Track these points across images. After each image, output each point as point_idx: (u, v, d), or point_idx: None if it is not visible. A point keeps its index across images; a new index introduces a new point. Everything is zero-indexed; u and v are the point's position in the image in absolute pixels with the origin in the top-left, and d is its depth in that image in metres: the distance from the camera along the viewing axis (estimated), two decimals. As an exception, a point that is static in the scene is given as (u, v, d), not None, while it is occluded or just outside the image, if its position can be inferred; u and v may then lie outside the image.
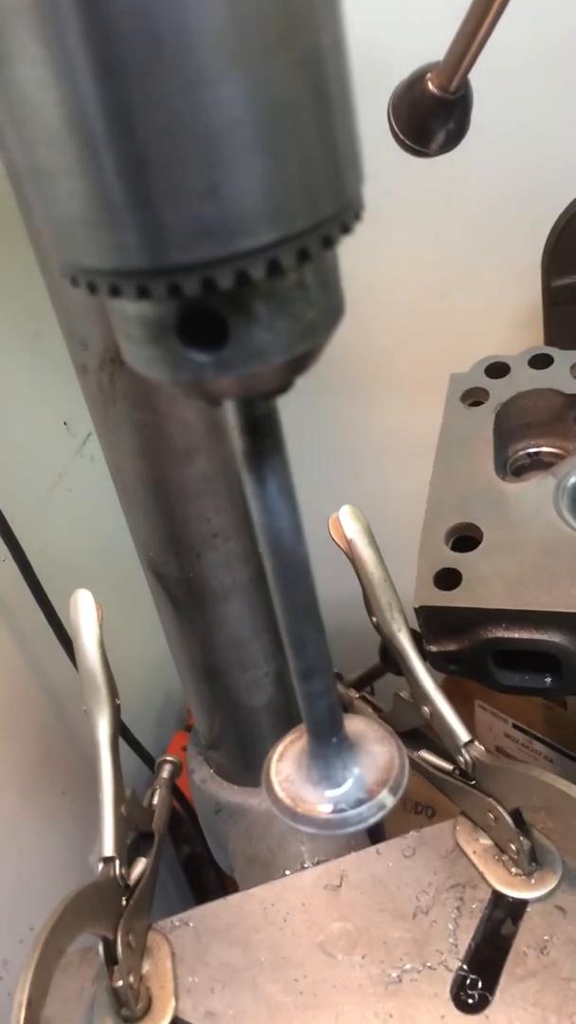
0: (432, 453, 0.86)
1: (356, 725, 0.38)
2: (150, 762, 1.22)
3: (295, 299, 0.25)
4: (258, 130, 0.21)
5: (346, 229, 0.24)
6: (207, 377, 0.25)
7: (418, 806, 1.32)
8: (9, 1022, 0.52)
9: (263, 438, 0.29)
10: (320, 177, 0.23)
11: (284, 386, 0.27)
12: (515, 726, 1.31)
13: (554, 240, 1.11)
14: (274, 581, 0.32)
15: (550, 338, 1.17)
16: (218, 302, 0.24)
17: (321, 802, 0.37)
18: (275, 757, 0.39)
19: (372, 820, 0.36)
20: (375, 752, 0.38)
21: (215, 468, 0.64)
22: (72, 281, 0.25)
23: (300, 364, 0.27)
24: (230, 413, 0.29)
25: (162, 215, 0.22)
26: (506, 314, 1.29)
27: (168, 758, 0.84)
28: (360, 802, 0.36)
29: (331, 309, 0.26)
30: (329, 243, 0.24)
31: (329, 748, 0.37)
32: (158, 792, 0.79)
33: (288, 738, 0.40)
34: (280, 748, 0.40)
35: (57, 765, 1.36)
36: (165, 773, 0.82)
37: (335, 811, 0.36)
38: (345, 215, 0.24)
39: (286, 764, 0.38)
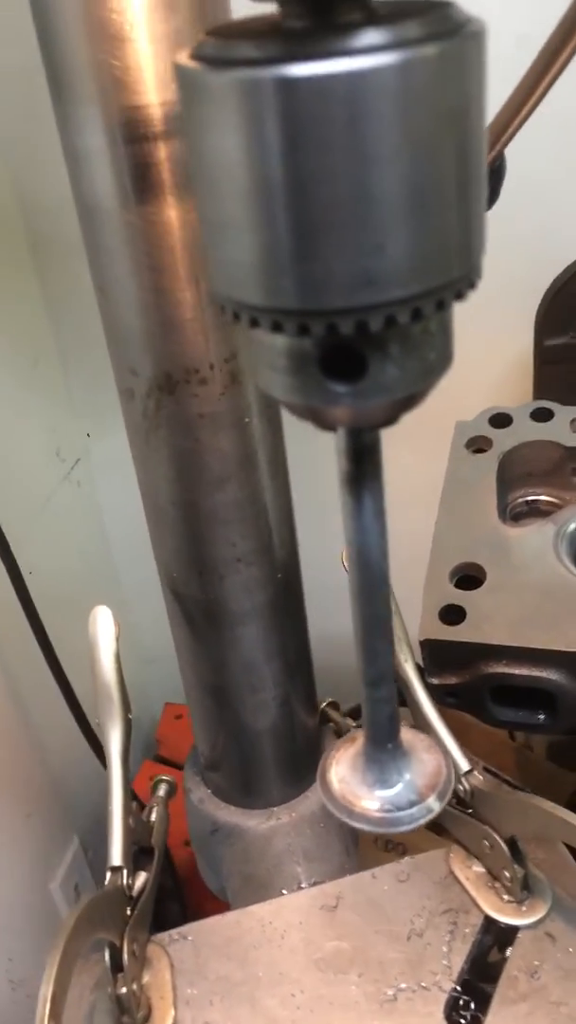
0: (435, 495, 0.90)
1: (406, 734, 0.42)
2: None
3: (423, 343, 0.29)
4: (420, 202, 0.25)
5: (472, 286, 0.28)
6: (342, 406, 0.29)
7: (389, 843, 1.34)
8: None
9: (366, 464, 0.33)
10: (457, 243, 0.27)
11: (393, 419, 0.31)
12: (486, 769, 1.34)
13: (548, 301, 1.17)
14: (357, 594, 0.36)
15: (539, 394, 1.23)
16: (361, 341, 0.28)
17: (376, 802, 0.40)
18: (331, 760, 0.42)
19: (422, 821, 0.39)
20: (425, 760, 0.41)
21: (245, 496, 0.68)
22: (233, 316, 0.28)
23: (413, 401, 0.30)
24: (338, 439, 0.33)
25: (331, 266, 0.26)
26: (497, 369, 1.35)
27: (164, 777, 0.86)
28: (411, 804, 0.39)
29: (446, 354, 0.30)
30: (459, 296, 0.28)
31: (385, 753, 0.40)
32: (155, 809, 0.81)
33: (341, 743, 0.44)
34: (335, 752, 0.43)
35: (22, 787, 1.36)
36: (161, 792, 0.84)
37: (388, 811, 0.39)
38: (472, 275, 0.28)
39: (341, 767, 0.41)
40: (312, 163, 0.25)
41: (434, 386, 0.31)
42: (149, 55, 0.53)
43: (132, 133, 0.55)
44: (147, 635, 1.44)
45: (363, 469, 0.33)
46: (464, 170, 0.26)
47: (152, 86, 0.54)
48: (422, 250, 0.26)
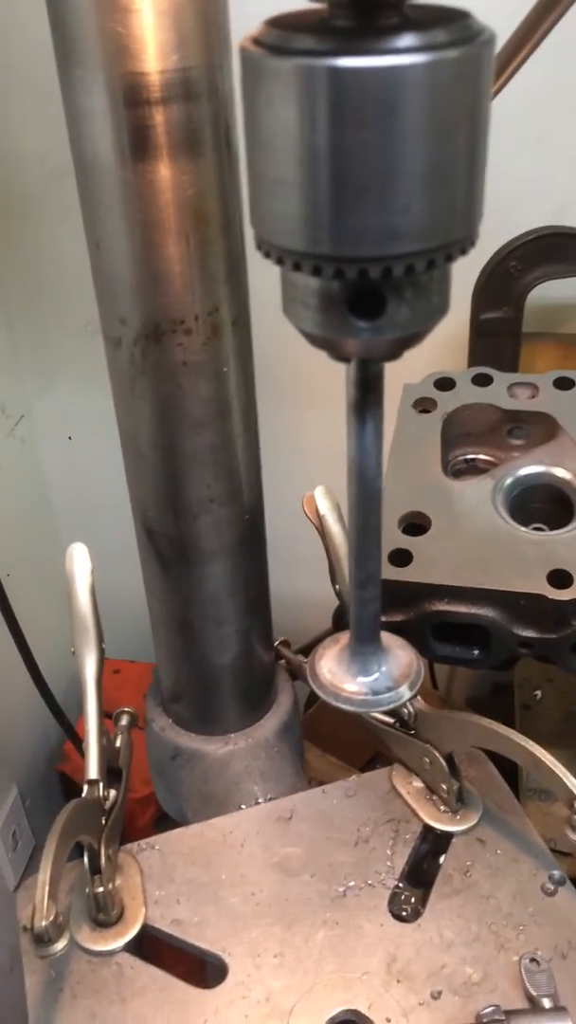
0: (384, 450, 0.98)
1: (382, 635, 0.49)
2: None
3: (430, 289, 0.35)
4: (438, 174, 0.32)
5: (472, 244, 0.35)
6: (359, 339, 0.35)
7: (311, 781, 1.42)
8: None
9: (371, 392, 0.39)
10: (464, 208, 0.34)
11: (398, 354, 0.38)
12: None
13: (484, 278, 1.25)
14: (354, 504, 0.43)
15: (473, 363, 1.31)
16: (384, 285, 0.34)
17: (358, 687, 0.47)
18: (318, 656, 0.49)
19: (396, 704, 0.47)
20: (399, 655, 0.48)
21: (221, 441, 0.74)
22: (278, 260, 0.34)
23: (417, 338, 0.37)
24: (348, 370, 0.39)
25: (367, 221, 0.32)
26: (435, 340, 1.42)
27: (126, 709, 0.92)
28: (388, 690, 0.47)
29: (445, 300, 0.37)
30: (463, 252, 0.35)
31: (367, 647, 0.47)
32: (120, 736, 0.87)
33: (325, 643, 0.50)
34: (321, 650, 0.50)
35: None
36: (124, 721, 0.90)
37: (369, 694, 0.46)
38: (473, 235, 0.35)
39: (328, 661, 0.48)
40: (354, 137, 0.31)
41: (433, 327, 0.37)
42: (153, 26, 0.58)
43: (133, 97, 0.60)
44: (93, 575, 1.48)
45: (368, 397, 0.39)
46: (473, 150, 0.33)
47: (154, 55, 0.59)
48: (438, 212, 0.33)
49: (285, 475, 1.00)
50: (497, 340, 1.31)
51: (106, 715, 1.67)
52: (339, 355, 0.37)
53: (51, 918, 0.58)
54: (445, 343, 1.40)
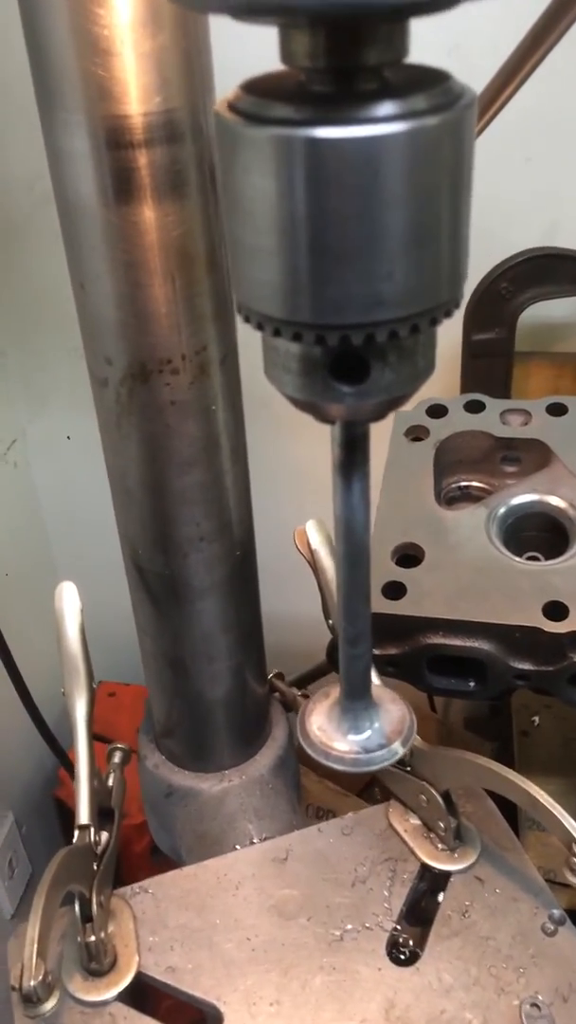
0: (376, 480, 0.97)
1: (374, 689, 0.48)
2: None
3: (415, 352, 0.34)
4: (421, 239, 0.31)
5: (457, 306, 0.34)
6: (343, 403, 0.34)
7: (320, 810, 1.41)
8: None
9: (357, 452, 0.39)
10: (448, 272, 0.33)
11: (384, 415, 0.37)
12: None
13: (476, 299, 1.25)
14: (343, 563, 0.42)
15: (466, 386, 1.31)
16: (366, 350, 0.33)
17: (349, 746, 0.46)
18: (308, 711, 0.48)
19: (389, 762, 0.46)
20: (391, 710, 0.47)
21: (210, 479, 0.73)
22: (257, 326, 0.34)
23: (402, 400, 0.36)
24: (333, 431, 0.38)
25: (350, 289, 0.31)
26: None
27: (119, 746, 0.91)
28: (380, 747, 0.46)
29: (431, 362, 0.36)
30: (448, 315, 0.34)
31: (358, 703, 0.46)
32: (113, 775, 0.86)
33: (315, 697, 0.49)
34: (311, 704, 0.49)
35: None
36: (117, 759, 0.89)
37: (359, 753, 0.45)
38: (458, 297, 0.34)
39: (318, 717, 0.47)
40: (333, 205, 0.30)
41: (420, 387, 0.37)
42: (134, 69, 0.57)
43: (115, 140, 0.59)
44: (83, 614, 1.48)
45: (354, 457, 0.39)
46: (455, 213, 0.32)
47: (136, 97, 0.58)
48: (421, 277, 0.32)
49: (279, 501, 0.99)
50: (489, 361, 1.31)
51: (100, 739, 1.66)
52: (323, 418, 0.37)
53: (40, 977, 0.56)
54: (437, 364, 1.40)
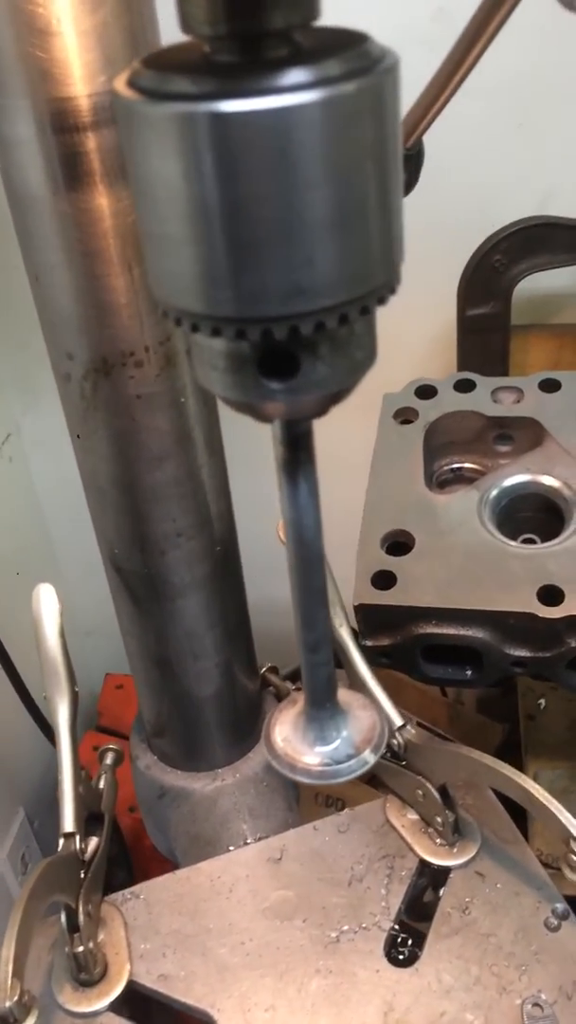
0: (365, 464, 0.94)
1: (342, 694, 0.45)
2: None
3: (350, 343, 0.32)
4: (344, 221, 0.28)
5: (392, 291, 0.31)
6: (277, 401, 0.32)
7: (329, 799, 1.39)
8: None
9: (300, 451, 0.36)
10: (379, 254, 0.30)
11: (324, 411, 0.34)
12: (419, 724, 1.41)
13: (469, 273, 1.21)
14: (295, 567, 0.39)
15: (462, 361, 1.27)
16: (293, 343, 0.30)
17: (316, 757, 0.43)
18: (274, 721, 0.46)
19: (358, 772, 0.43)
20: (360, 716, 0.45)
21: (183, 473, 0.70)
22: (176, 322, 0.31)
23: (342, 395, 0.33)
24: (274, 429, 0.36)
25: (266, 279, 0.28)
26: (422, 339, 1.39)
27: (111, 747, 0.89)
28: (349, 757, 0.43)
29: (371, 352, 0.33)
30: (381, 301, 0.31)
31: (324, 712, 0.43)
32: (104, 777, 0.84)
33: (281, 706, 0.47)
34: (277, 713, 0.46)
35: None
36: (109, 760, 0.87)
37: (327, 765, 0.43)
38: (393, 282, 0.31)
39: (284, 727, 0.45)
40: (244, 187, 0.27)
41: (361, 380, 0.34)
42: (76, 48, 0.54)
43: (61, 123, 0.56)
44: (85, 607, 1.46)
45: (298, 456, 0.36)
46: (383, 189, 0.29)
47: (79, 78, 0.55)
48: (347, 262, 0.29)
49: (262, 495, 0.96)
50: (485, 336, 1.28)
51: (108, 731, 1.65)
52: (260, 418, 0.34)
53: (15, 998, 0.55)
54: (432, 342, 1.37)
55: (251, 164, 0.27)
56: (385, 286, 0.31)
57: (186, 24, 0.28)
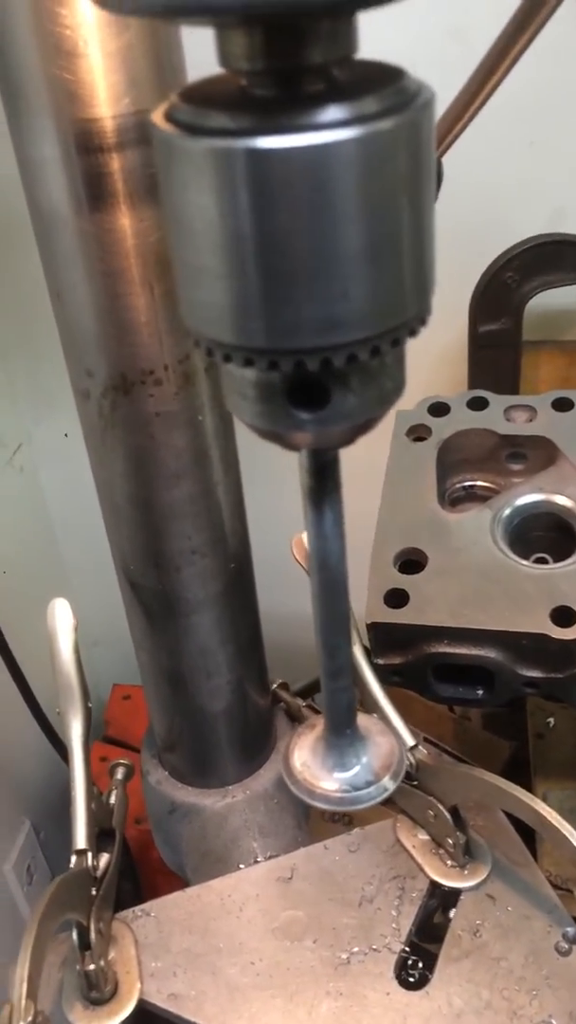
0: (377, 481, 0.94)
1: (361, 720, 0.45)
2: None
3: (380, 375, 0.32)
4: (378, 254, 0.28)
5: (424, 323, 0.31)
6: (306, 431, 0.32)
7: (335, 815, 1.39)
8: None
9: (326, 479, 0.36)
10: (411, 287, 0.30)
11: (352, 440, 0.34)
12: (426, 739, 1.40)
13: (481, 290, 1.21)
14: (318, 594, 0.39)
15: (473, 377, 1.28)
16: (325, 375, 0.31)
17: (335, 784, 0.43)
18: (293, 746, 0.46)
19: (377, 800, 0.43)
20: (379, 743, 0.45)
21: (200, 491, 0.71)
22: (207, 351, 0.31)
23: (370, 425, 0.34)
24: (300, 457, 0.36)
25: (301, 311, 0.28)
26: (434, 354, 1.39)
27: (122, 761, 0.89)
28: (368, 784, 0.43)
29: (400, 383, 0.33)
30: (413, 333, 0.31)
31: (343, 738, 0.43)
32: (115, 792, 0.84)
33: (300, 731, 0.47)
34: (296, 738, 0.46)
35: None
36: (119, 775, 0.87)
37: (347, 792, 0.43)
38: (424, 313, 0.31)
39: (303, 752, 0.45)
40: (280, 221, 0.27)
41: (388, 411, 0.34)
42: (102, 70, 0.55)
43: (86, 144, 0.57)
44: (93, 617, 1.46)
45: (324, 484, 0.36)
46: (417, 222, 0.29)
47: (105, 99, 0.56)
48: (381, 295, 0.29)
49: (276, 510, 0.96)
50: (497, 352, 1.28)
51: (115, 743, 1.65)
52: (288, 446, 0.34)
53: (29, 1018, 0.54)
54: (443, 357, 1.37)
55: (287, 199, 0.27)
56: (416, 318, 0.31)
57: (224, 59, 0.28)
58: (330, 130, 0.26)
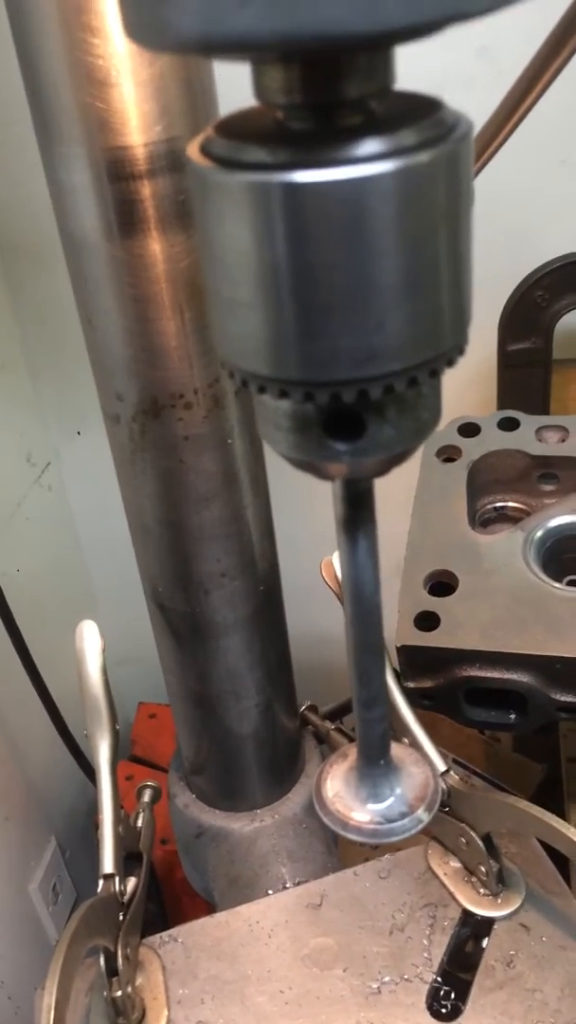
0: (407, 502, 0.94)
1: (395, 749, 0.45)
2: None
3: (417, 406, 0.31)
4: (416, 287, 0.28)
5: (461, 353, 0.31)
6: (341, 462, 0.32)
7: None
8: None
9: (361, 509, 0.36)
10: (449, 318, 0.30)
11: (387, 471, 0.34)
12: (455, 761, 1.39)
13: (511, 308, 1.21)
14: (352, 623, 0.39)
15: (502, 396, 1.27)
16: (361, 406, 0.30)
17: (368, 815, 0.43)
18: (325, 775, 0.45)
19: (412, 832, 0.42)
20: (414, 773, 0.44)
21: (229, 514, 0.70)
22: (242, 383, 0.31)
23: (406, 455, 0.33)
24: (335, 487, 0.35)
25: (337, 344, 0.28)
26: (462, 374, 1.38)
27: (149, 783, 0.88)
28: (402, 816, 0.42)
29: (436, 413, 0.33)
30: (450, 364, 0.31)
31: (377, 768, 0.43)
32: (142, 815, 0.83)
33: (332, 759, 0.46)
34: (328, 767, 0.46)
35: (0, 791, 1.38)
36: (147, 797, 0.86)
37: (380, 823, 0.42)
38: (462, 343, 0.31)
39: (335, 782, 0.44)
40: (317, 254, 0.27)
41: (423, 441, 0.33)
42: (134, 98, 0.55)
43: (117, 172, 0.57)
44: (119, 636, 1.46)
45: (358, 514, 0.36)
46: (455, 254, 0.29)
47: (136, 128, 0.56)
48: (418, 326, 0.29)
49: (305, 531, 0.96)
50: (526, 371, 1.27)
51: (141, 761, 1.64)
52: (322, 476, 0.34)
53: (58, 1047, 0.54)
54: (471, 377, 1.36)
55: (325, 232, 0.27)
56: (454, 348, 0.31)
57: (260, 93, 0.28)
58: (368, 163, 0.26)
